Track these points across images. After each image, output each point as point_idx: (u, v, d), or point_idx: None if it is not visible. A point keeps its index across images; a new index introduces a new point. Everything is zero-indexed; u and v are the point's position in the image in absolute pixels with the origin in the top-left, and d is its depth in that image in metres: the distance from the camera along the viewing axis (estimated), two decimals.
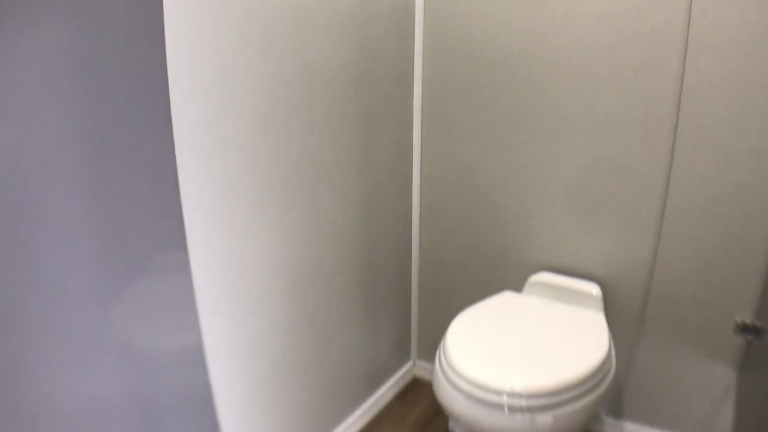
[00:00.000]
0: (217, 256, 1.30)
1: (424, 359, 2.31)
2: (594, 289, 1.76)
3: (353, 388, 1.95)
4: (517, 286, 1.96)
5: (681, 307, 1.74)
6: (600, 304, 1.75)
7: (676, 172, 1.64)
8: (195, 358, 0.84)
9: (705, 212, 1.63)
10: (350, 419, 1.97)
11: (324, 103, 1.55)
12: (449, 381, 1.44)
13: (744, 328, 1.67)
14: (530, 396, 1.35)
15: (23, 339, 0.59)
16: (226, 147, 1.27)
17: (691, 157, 1.60)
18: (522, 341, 1.53)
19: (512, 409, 1.36)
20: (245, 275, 1.40)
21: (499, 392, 1.36)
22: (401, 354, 2.22)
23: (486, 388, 1.37)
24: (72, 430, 0.65)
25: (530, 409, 1.36)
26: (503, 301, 1.74)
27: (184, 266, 0.80)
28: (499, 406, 1.36)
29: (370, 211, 1.83)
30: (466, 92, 1.88)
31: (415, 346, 2.29)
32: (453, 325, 1.60)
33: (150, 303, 0.74)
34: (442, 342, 1.57)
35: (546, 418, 1.37)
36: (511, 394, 1.35)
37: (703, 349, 1.76)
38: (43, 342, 0.61)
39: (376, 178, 1.82)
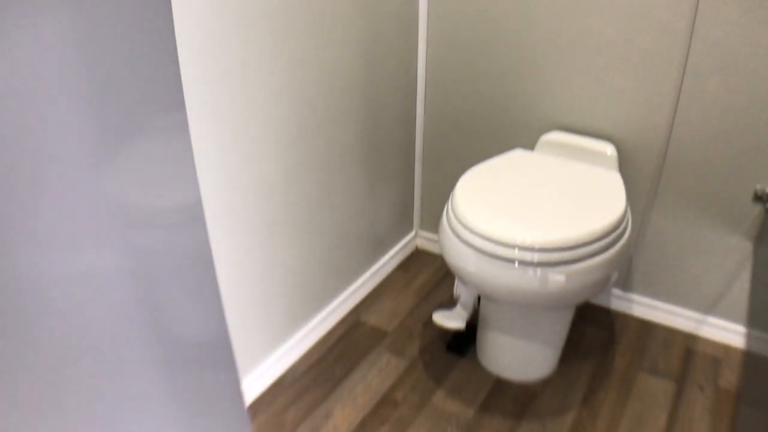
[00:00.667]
0: (211, 109, 1.19)
1: (426, 229, 2.23)
2: (609, 149, 1.66)
3: (354, 256, 1.88)
4: (528, 147, 1.86)
5: (698, 173, 1.65)
6: (615, 165, 1.65)
7: (700, 23, 1.50)
8: (194, 217, 0.76)
9: (729, 71, 1.50)
10: (351, 288, 1.91)
11: None
12: (458, 236, 1.36)
13: (763, 197, 1.58)
14: (543, 249, 1.27)
15: (11, 208, 0.50)
16: None
17: (717, 6, 1.46)
18: (535, 196, 1.44)
19: (524, 263, 1.28)
20: (240, 130, 1.29)
21: (510, 245, 1.28)
22: (403, 223, 2.14)
23: (497, 242, 1.29)
24: (68, 302, 0.57)
25: (542, 264, 1.29)
26: (514, 158, 1.64)
27: (181, 125, 0.70)
28: (510, 261, 1.29)
29: (374, 62, 1.70)
30: None
31: (418, 215, 2.21)
32: (462, 179, 1.51)
33: (147, 163, 0.65)
34: (450, 197, 1.48)
35: (558, 276, 1.30)
36: (523, 248, 1.27)
37: (719, 219, 1.68)
38: (36, 210, 0.53)
39: (379, 27, 1.68)
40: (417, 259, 2.18)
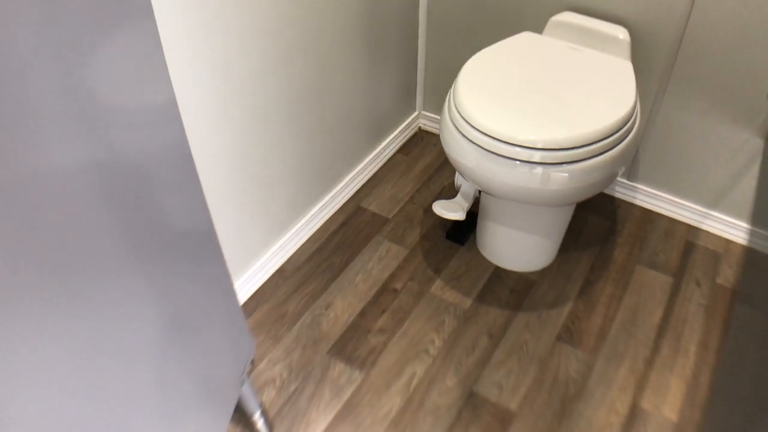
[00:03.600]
0: None
1: (429, 110, 2.21)
2: (622, 33, 1.61)
3: (354, 140, 1.88)
4: (538, 28, 1.81)
5: (714, 64, 1.61)
6: (627, 51, 1.61)
7: None
8: (168, 116, 0.75)
9: None
10: (352, 173, 1.93)
11: None
12: (459, 129, 1.36)
13: None
14: (546, 149, 1.27)
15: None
16: None
17: None
18: (540, 88, 1.42)
19: (526, 162, 1.28)
20: (229, 11, 1.25)
21: (512, 143, 1.27)
22: (406, 103, 2.12)
23: (499, 139, 1.28)
24: (50, 196, 0.60)
25: (545, 163, 1.29)
26: (522, 43, 1.60)
27: (149, 30, 0.69)
28: (511, 159, 1.29)
29: None
30: None
31: (421, 94, 2.19)
32: (465, 68, 1.48)
33: (113, 59, 0.64)
34: (452, 87, 1.45)
35: (561, 175, 1.31)
36: (527, 147, 1.27)
37: (731, 113, 1.66)
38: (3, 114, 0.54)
39: None
40: (419, 140, 2.18)
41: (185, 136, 0.79)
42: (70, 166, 0.61)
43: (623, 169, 1.44)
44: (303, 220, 1.76)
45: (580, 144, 1.28)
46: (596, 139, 1.30)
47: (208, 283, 0.93)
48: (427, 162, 2.08)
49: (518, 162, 1.29)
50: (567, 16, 1.66)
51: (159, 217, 0.78)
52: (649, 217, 1.90)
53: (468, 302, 1.64)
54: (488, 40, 1.91)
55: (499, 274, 1.72)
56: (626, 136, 1.38)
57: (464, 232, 1.81)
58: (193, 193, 0.84)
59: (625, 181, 1.93)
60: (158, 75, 0.71)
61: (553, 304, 1.65)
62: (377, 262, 1.73)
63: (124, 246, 0.72)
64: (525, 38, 1.62)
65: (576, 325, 1.60)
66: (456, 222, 1.84)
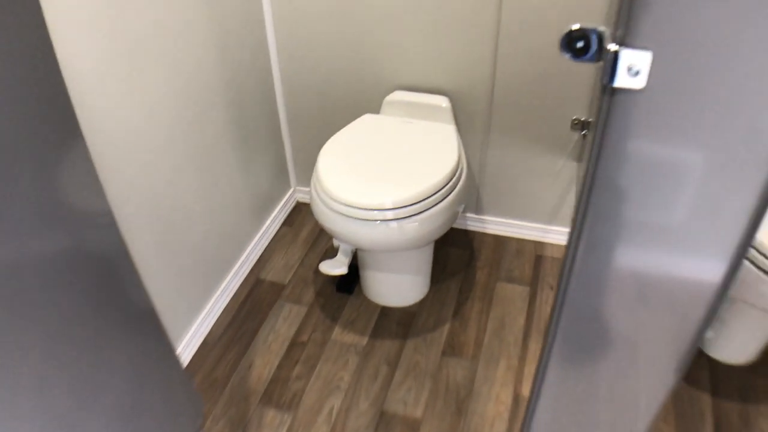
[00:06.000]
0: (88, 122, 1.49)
1: (303, 184, 2.62)
2: (444, 102, 2.06)
3: (244, 223, 2.25)
4: (376, 108, 2.24)
5: (523, 111, 2.07)
6: (450, 116, 2.06)
7: None
8: (106, 222, 1.02)
9: (537, 22, 1.88)
10: (246, 252, 2.29)
11: None
12: (326, 205, 1.74)
13: (579, 124, 2.01)
14: (397, 207, 1.68)
15: None
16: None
17: None
18: (384, 159, 1.83)
19: (383, 221, 1.69)
20: (130, 138, 1.59)
21: (370, 209, 1.67)
22: (282, 183, 2.52)
23: (358, 207, 1.68)
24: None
25: (398, 219, 1.69)
26: (364, 124, 2.02)
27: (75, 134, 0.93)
28: (371, 221, 1.69)
29: (226, 52, 1.99)
30: None
31: (293, 173, 2.59)
32: (322, 154, 1.87)
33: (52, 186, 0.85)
34: (314, 170, 1.85)
35: (412, 225, 1.71)
36: (381, 209, 1.67)
37: (546, 146, 2.13)
38: None
39: (225, 25, 1.96)
40: (299, 212, 2.57)
41: (121, 238, 1.05)
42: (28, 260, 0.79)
43: (463, 206, 1.86)
44: (213, 299, 2.10)
45: (421, 198, 1.70)
46: (433, 192, 1.72)
47: (160, 366, 1.26)
48: (309, 230, 2.47)
49: (377, 221, 1.69)
50: (397, 95, 2.10)
51: (110, 314, 1.07)
52: (500, 241, 2.36)
53: (364, 340, 2.03)
54: (338, 120, 2.34)
55: (385, 312, 2.12)
56: (457, 184, 1.81)
57: (351, 282, 2.21)
58: (135, 285, 1.13)
59: (474, 215, 2.38)
60: (94, 193, 0.94)
61: (434, 327, 2.06)
62: (283, 322, 2.10)
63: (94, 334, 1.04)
64: (366, 119, 2.05)
65: (456, 340, 2.01)
66: (342, 275, 2.23)
